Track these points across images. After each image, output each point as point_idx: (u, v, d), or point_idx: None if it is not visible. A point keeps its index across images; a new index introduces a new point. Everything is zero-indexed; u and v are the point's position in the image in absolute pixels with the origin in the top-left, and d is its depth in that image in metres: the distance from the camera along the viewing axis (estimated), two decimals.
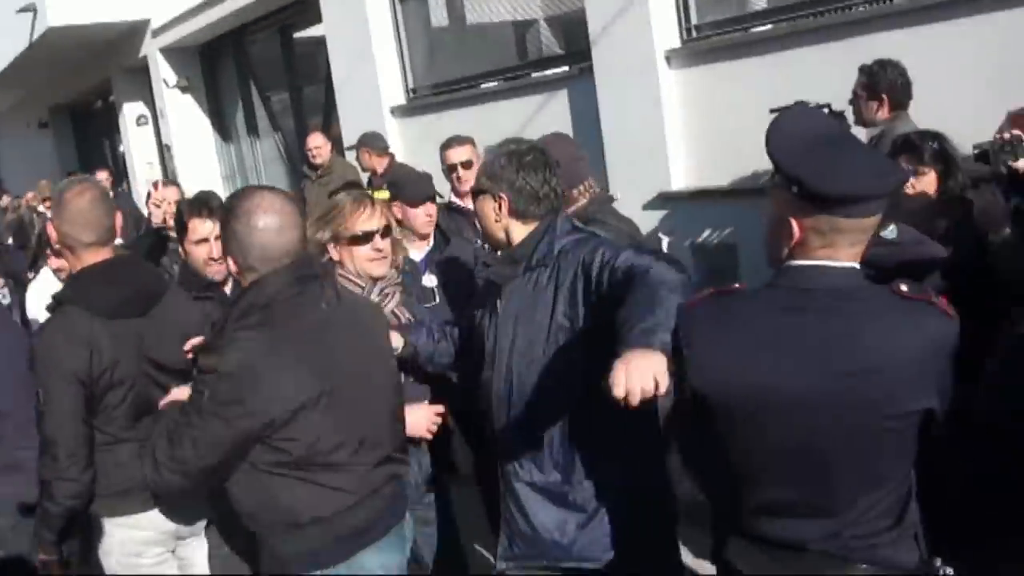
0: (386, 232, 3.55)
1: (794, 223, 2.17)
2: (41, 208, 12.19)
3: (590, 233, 3.22)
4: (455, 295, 4.48)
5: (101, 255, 3.34)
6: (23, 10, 13.21)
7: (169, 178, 10.53)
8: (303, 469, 2.68)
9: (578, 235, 3.14)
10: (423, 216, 4.65)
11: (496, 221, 3.17)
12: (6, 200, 15.27)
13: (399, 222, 4.55)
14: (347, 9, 9.97)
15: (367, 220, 3.50)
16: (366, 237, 3.49)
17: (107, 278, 3.33)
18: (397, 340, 3.39)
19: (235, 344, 2.62)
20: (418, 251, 4.67)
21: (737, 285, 2.34)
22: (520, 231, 3.15)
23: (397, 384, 3.11)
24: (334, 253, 3.54)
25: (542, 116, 7.55)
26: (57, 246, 3.49)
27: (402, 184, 4.85)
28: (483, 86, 8.84)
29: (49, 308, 3.40)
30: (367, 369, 2.87)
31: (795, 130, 2.25)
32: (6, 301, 5.93)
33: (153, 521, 3.42)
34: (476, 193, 3.27)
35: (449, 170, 5.77)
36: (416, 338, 3.48)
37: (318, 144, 9.53)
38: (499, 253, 3.32)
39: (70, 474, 3.16)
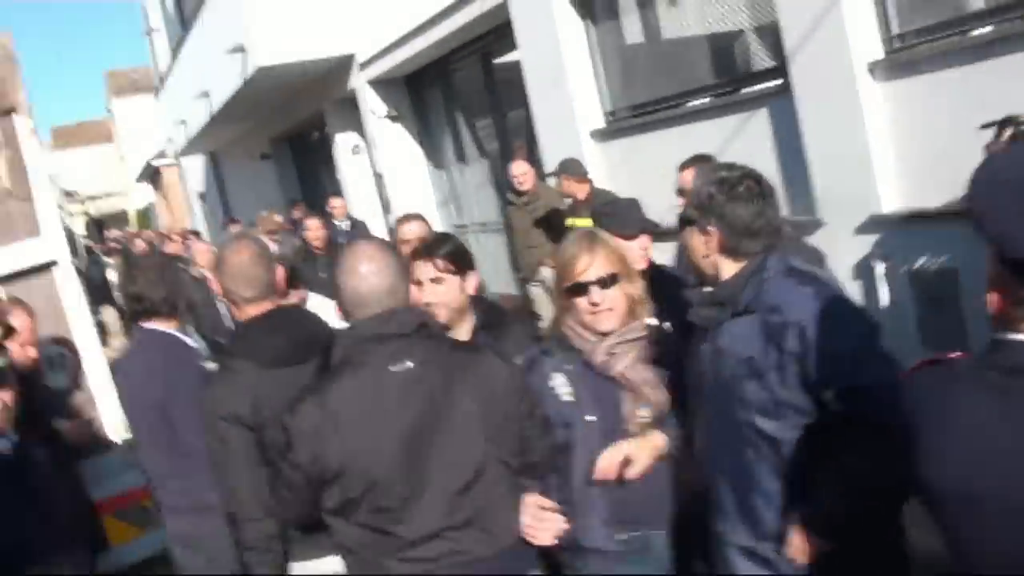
0: (609, 282, 3.20)
1: (991, 291, 1.86)
2: (264, 238, 12.82)
3: (806, 275, 2.91)
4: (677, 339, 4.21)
5: (262, 307, 3.52)
6: (233, 51, 13.84)
7: (412, 214, 10.71)
8: (344, 518, 2.83)
9: (795, 279, 2.87)
10: (636, 250, 4.22)
11: (705, 256, 2.97)
12: (234, 229, 16.06)
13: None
14: (539, 33, 9.93)
15: (583, 270, 3.20)
16: (581, 288, 3.20)
17: (268, 329, 3.49)
18: (660, 440, 3.17)
19: (300, 397, 2.85)
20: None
21: (956, 354, 2.04)
22: (730, 269, 2.93)
23: (482, 457, 2.86)
24: (565, 301, 3.29)
25: (743, 136, 7.27)
26: (223, 299, 3.65)
27: (612, 213, 4.49)
28: (681, 107, 8.55)
29: (215, 361, 3.56)
30: (436, 437, 2.81)
31: (1007, 175, 1.84)
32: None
33: (336, 565, 3.49)
34: (683, 223, 3.06)
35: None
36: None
37: (523, 171, 9.51)
38: (705, 290, 3.08)
39: (256, 514, 3.28)
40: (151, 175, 41.57)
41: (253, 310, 3.52)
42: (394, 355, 2.80)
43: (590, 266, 3.20)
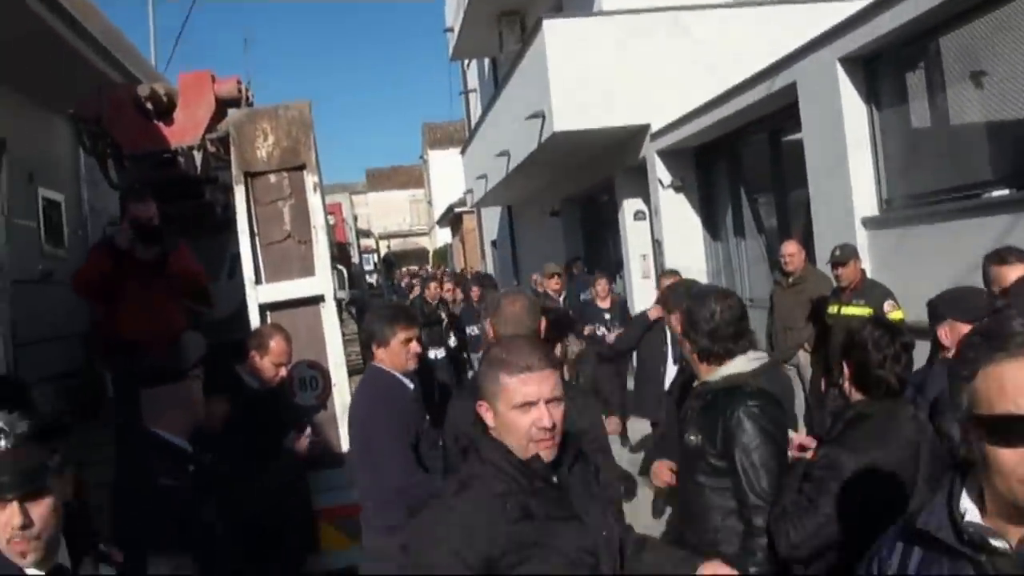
0: None
1: None
2: (540, 288, 13.41)
3: None
4: None
5: None
6: (531, 117, 14.69)
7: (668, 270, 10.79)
8: None
9: None
10: None
11: None
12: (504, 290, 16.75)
13: None
14: (823, 116, 9.97)
15: None
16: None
17: None
18: None
19: None
20: None
21: None
22: None
23: None
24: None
25: (1007, 241, 6.71)
26: (492, 341, 4.15)
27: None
28: (960, 200, 8.22)
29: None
30: None
31: None
32: None
33: None
34: None
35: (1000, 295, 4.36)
36: None
37: (791, 252, 9.50)
38: None
39: None
40: (452, 220, 43.87)
41: None
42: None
43: None
